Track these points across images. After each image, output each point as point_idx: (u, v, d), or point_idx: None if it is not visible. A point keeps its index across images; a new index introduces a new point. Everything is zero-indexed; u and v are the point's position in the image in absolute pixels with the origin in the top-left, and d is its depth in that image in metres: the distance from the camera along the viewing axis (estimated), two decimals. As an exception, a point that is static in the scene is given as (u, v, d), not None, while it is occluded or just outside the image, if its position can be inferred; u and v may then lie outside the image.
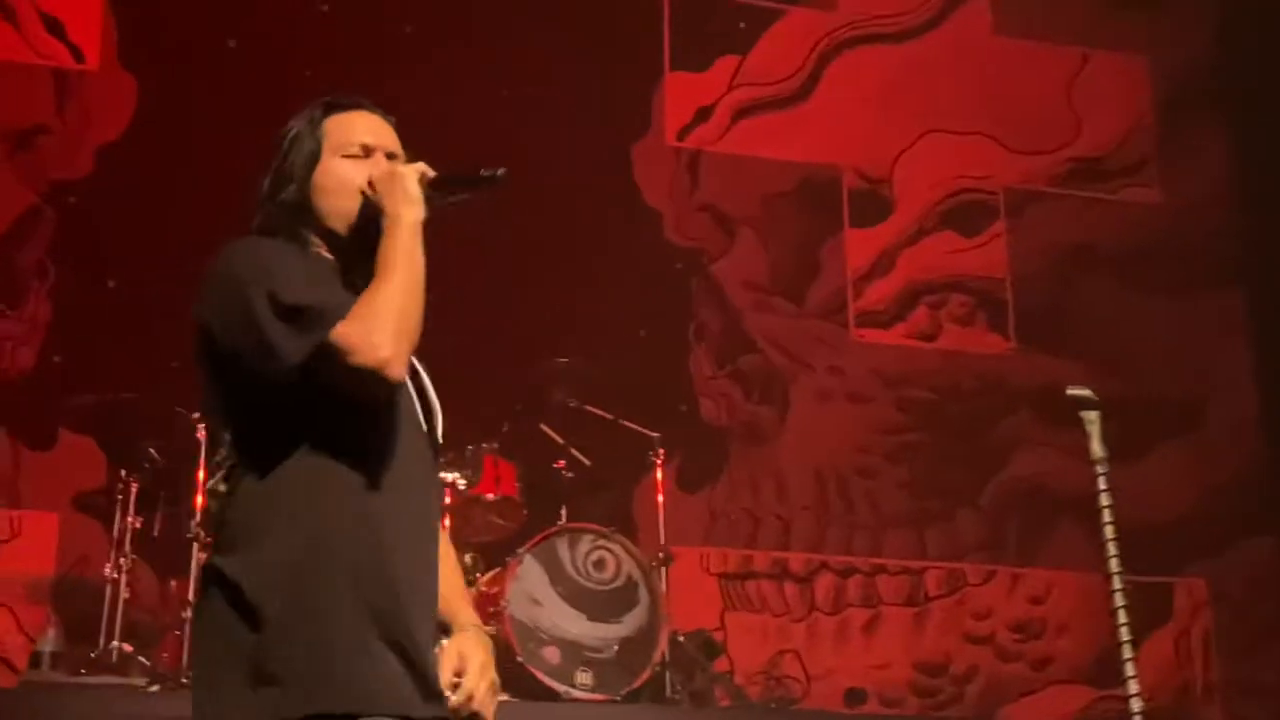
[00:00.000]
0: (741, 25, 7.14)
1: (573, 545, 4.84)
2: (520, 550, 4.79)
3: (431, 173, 2.23)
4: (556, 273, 6.24)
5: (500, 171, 2.22)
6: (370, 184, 2.21)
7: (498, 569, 4.91)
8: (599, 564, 4.84)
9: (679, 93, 7.01)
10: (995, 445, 6.91)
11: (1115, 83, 7.49)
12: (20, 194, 6.09)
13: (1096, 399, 3.18)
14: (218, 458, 1.92)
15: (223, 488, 2.17)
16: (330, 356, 2.01)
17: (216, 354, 2.12)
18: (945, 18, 7.43)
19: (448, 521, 4.86)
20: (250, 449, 2.12)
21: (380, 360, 2.01)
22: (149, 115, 6.20)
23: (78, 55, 6.30)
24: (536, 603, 4.73)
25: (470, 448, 5.04)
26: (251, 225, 2.27)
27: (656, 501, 5.36)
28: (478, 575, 4.99)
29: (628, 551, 4.90)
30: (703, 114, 7.02)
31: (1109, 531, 3.15)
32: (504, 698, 4.47)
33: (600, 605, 4.79)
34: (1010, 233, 7.22)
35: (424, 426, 2.21)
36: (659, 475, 5.39)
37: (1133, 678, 3.06)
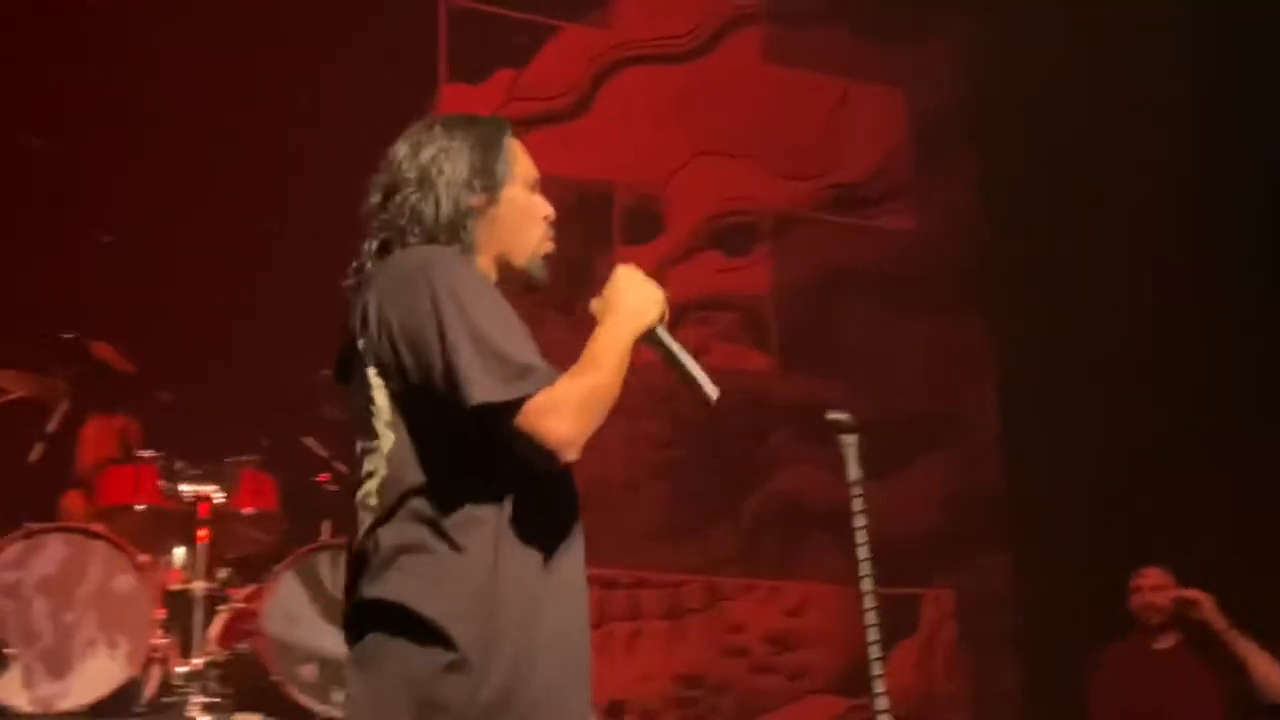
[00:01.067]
0: (518, 40, 7.15)
1: (334, 561, 4.74)
2: (279, 567, 4.67)
3: (666, 315, 2.24)
4: (328, 282, 6.11)
5: (713, 398, 2.24)
6: (618, 277, 2.23)
7: (255, 585, 4.78)
8: (361, 580, 4.76)
9: (455, 104, 6.97)
10: (756, 461, 7.09)
11: (874, 114, 7.78)
12: None
13: (854, 423, 3.29)
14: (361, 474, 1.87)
15: (373, 501, 2.08)
16: (521, 414, 2.00)
17: (391, 362, 2.07)
18: (718, 43, 7.59)
19: (202, 536, 4.72)
20: (421, 472, 2.04)
21: (562, 442, 2.02)
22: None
23: None
24: (294, 620, 4.61)
25: (228, 460, 4.89)
26: (410, 208, 2.18)
27: (423, 516, 5.31)
28: (232, 591, 4.84)
29: (391, 567, 4.83)
30: (478, 126, 6.99)
31: (863, 552, 3.26)
32: (259, 718, 4.38)
33: (361, 622, 4.71)
34: (774, 255, 7.42)
35: None
36: (424, 489, 5.34)
37: (882, 694, 3.18)
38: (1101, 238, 6.77)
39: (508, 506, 2.06)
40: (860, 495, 3.27)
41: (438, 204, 2.19)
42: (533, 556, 2.07)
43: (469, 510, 2.03)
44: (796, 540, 7.00)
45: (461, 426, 2.02)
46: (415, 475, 2.04)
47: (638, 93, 7.32)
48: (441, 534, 2.01)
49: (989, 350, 7.64)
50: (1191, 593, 4.99)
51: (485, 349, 2.01)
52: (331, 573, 4.72)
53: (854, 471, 3.28)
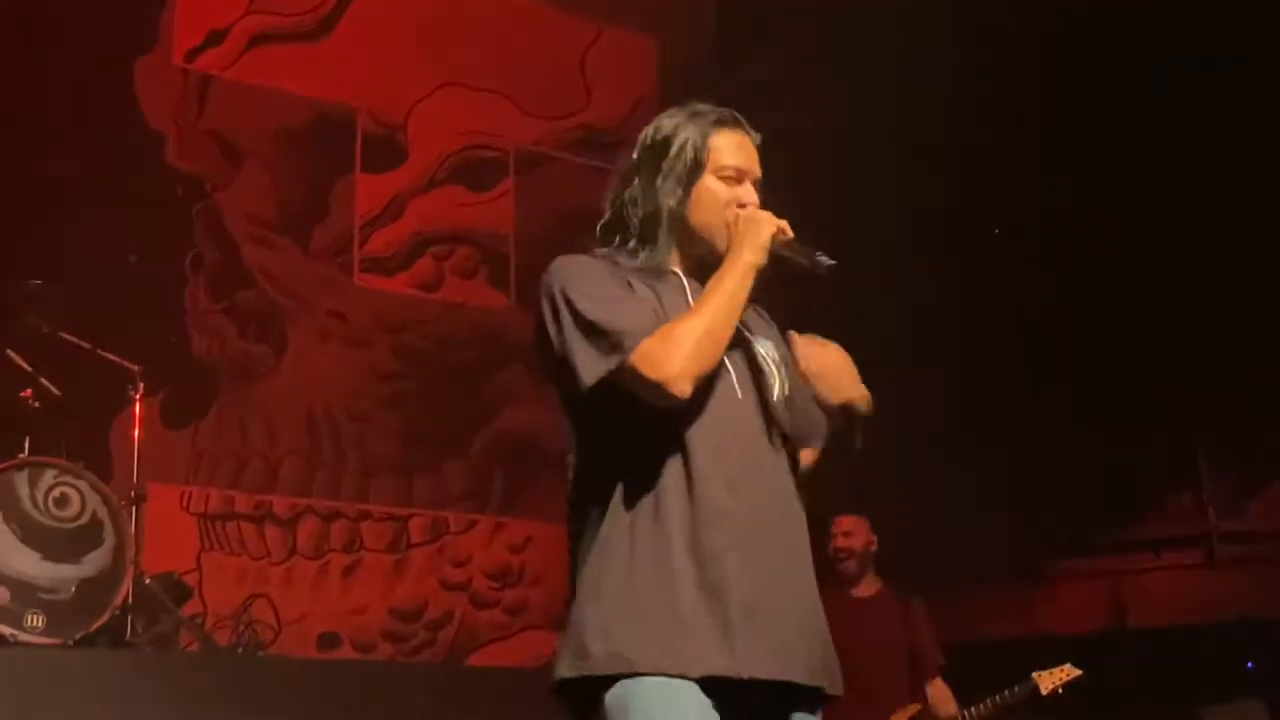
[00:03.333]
0: (262, -53, 6.90)
1: (33, 480, 4.53)
2: (-29, 483, 4.44)
3: (788, 232, 2.38)
4: (40, 186, 5.81)
5: (825, 266, 2.36)
6: (734, 220, 2.38)
7: (-56, 502, 4.53)
8: (61, 500, 4.56)
9: (190, 11, 6.67)
10: (487, 398, 7.09)
11: (625, 58, 7.82)
12: None
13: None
14: None
15: None
16: (628, 370, 2.23)
17: (552, 363, 2.34)
18: (473, -28, 7.48)
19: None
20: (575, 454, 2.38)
21: (667, 377, 2.21)
22: None
23: None
24: (-14, 540, 4.41)
25: (-80, 370, 4.63)
26: (626, 204, 2.44)
27: (133, 437, 5.14)
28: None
29: (95, 488, 4.65)
30: (215, 37, 6.72)
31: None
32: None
33: (59, 544, 4.52)
34: (518, 192, 7.40)
35: (741, 394, 2.34)
36: (137, 410, 5.16)
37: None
38: (835, 199, 6.94)
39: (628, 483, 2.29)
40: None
41: (639, 204, 2.44)
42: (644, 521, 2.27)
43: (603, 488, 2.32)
44: (524, 478, 7.05)
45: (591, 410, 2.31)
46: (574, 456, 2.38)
47: (384, 16, 7.14)
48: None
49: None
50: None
51: (588, 333, 2.27)
52: (30, 491, 4.52)
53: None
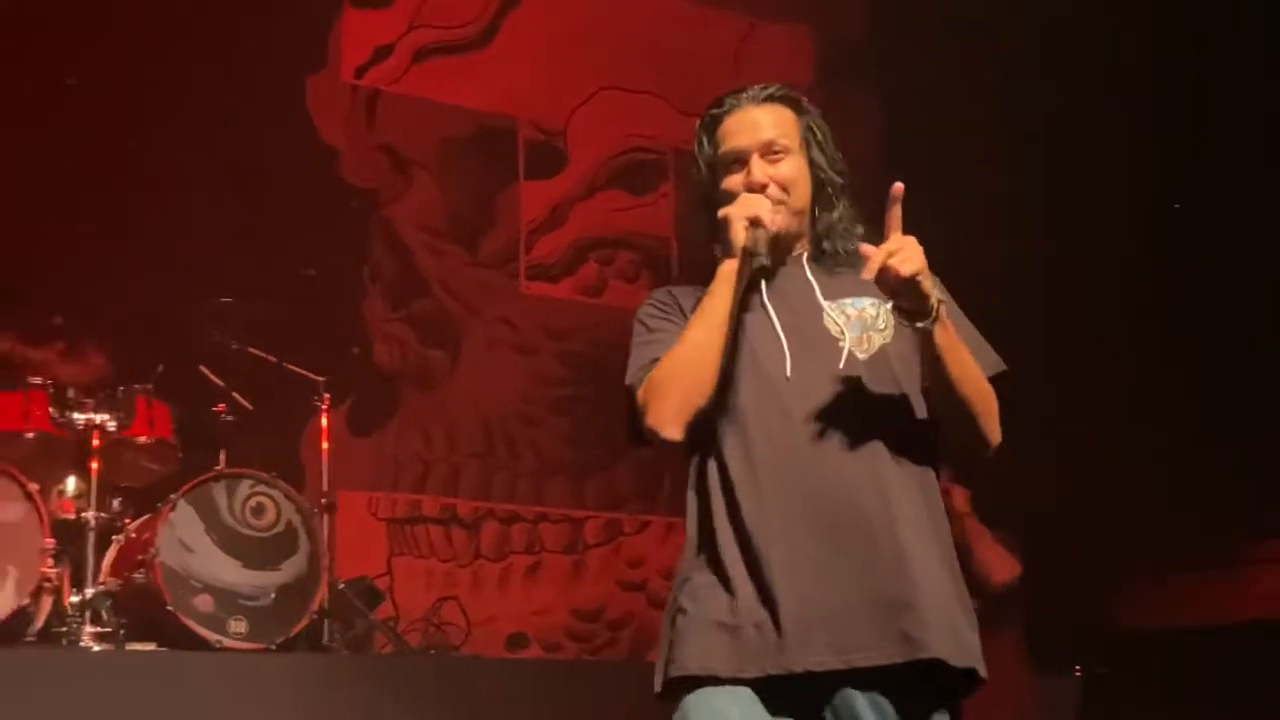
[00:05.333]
0: (424, -35, 7.03)
1: (230, 491, 4.70)
2: (173, 495, 4.62)
3: (765, 224, 2.25)
4: (221, 207, 6.01)
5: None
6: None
7: (148, 515, 4.73)
8: (258, 510, 4.72)
9: (358, 29, 6.85)
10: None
11: (779, 51, 7.76)
12: None
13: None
14: None
15: None
16: (636, 418, 2.28)
17: None
18: (625, -24, 7.52)
19: (95, 465, 4.66)
20: None
21: (657, 424, 2.23)
22: None
23: None
24: (189, 549, 4.57)
25: (122, 389, 4.82)
26: None
27: (322, 446, 5.29)
28: (126, 521, 4.79)
29: (289, 497, 4.80)
30: (382, 53, 6.89)
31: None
32: (152, 647, 4.34)
33: (258, 552, 4.67)
34: (677, 193, 7.42)
35: (793, 372, 2.23)
36: (324, 420, 5.31)
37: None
38: (1000, 190, 6.80)
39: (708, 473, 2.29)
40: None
41: None
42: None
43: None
44: (692, 479, 7.05)
45: None
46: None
47: (541, 24, 7.23)
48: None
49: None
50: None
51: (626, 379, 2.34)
52: (227, 502, 4.68)
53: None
